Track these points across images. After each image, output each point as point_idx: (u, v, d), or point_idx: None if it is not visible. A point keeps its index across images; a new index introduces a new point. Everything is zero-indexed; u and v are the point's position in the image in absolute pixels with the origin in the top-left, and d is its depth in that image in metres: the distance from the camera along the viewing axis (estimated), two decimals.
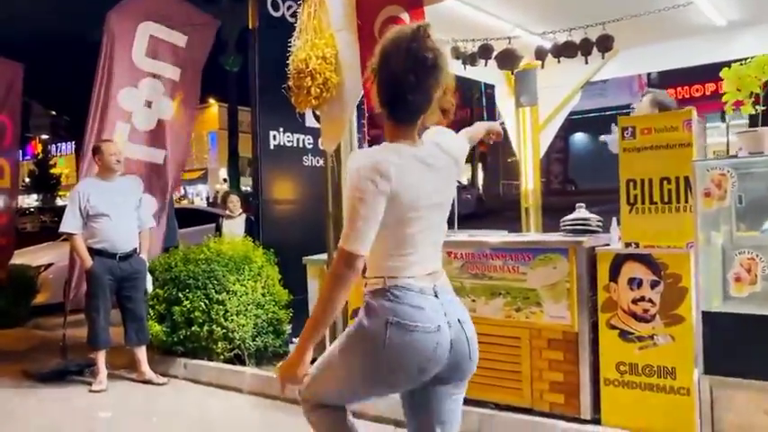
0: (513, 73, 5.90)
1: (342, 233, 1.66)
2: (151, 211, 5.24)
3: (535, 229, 5.87)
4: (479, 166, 32.04)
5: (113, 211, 4.59)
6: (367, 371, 1.74)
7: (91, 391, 4.51)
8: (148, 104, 5.57)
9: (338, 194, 4.16)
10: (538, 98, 5.78)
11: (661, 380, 2.94)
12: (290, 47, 4.13)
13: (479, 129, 2.30)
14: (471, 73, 5.91)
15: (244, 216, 6.72)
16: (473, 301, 3.44)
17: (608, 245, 3.21)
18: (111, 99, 5.41)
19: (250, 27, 5.78)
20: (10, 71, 6.83)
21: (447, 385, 1.80)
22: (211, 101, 38.36)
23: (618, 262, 3.04)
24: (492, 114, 33.50)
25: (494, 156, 30.46)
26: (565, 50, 4.12)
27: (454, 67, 4.05)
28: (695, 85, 26.28)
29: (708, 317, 2.79)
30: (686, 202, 2.88)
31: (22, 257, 7.79)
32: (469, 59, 3.99)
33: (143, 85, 5.55)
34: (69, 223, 4.57)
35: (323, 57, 3.94)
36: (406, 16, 3.74)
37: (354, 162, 1.68)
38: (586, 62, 4.02)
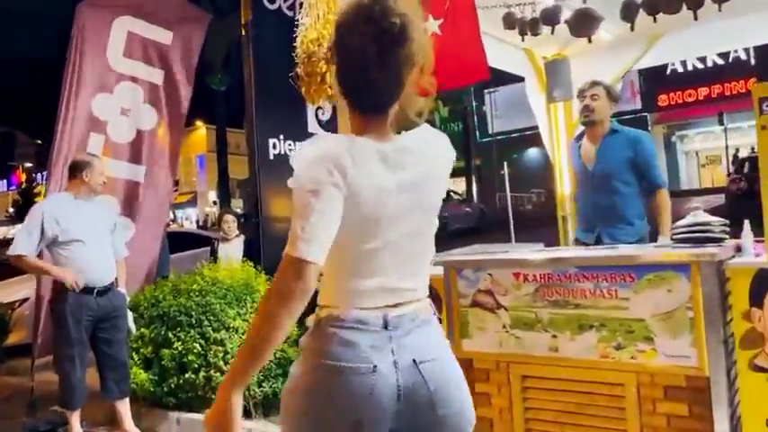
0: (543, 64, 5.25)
1: (288, 236, 1.29)
2: (126, 238, 4.39)
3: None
4: (474, 178, 31.40)
5: (89, 237, 3.74)
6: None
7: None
8: (125, 112, 4.76)
9: None
10: (573, 92, 5.06)
11: None
12: (289, 42, 3.46)
13: None
14: (496, 62, 5.18)
15: (242, 238, 5.90)
16: (554, 336, 2.64)
17: (734, 257, 2.43)
18: (83, 107, 4.60)
19: (243, 21, 5.04)
20: None
21: None
22: (198, 123, 37.63)
23: (763, 280, 2.25)
24: (485, 129, 33.16)
25: (488, 168, 29.81)
26: (665, 3, 3.16)
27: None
28: (688, 90, 25.98)
29: None
30: None
31: None
32: (529, 27, 3.22)
33: (119, 90, 4.74)
34: (22, 244, 3.69)
35: None
36: None
37: (303, 149, 1.37)
38: (695, 18, 3.17)
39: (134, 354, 4.13)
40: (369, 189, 1.33)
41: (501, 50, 4.81)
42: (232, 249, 5.69)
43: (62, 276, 3.66)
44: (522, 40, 3.32)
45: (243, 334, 4.03)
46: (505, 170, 3.31)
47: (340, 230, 1.32)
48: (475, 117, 33.59)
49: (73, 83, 4.59)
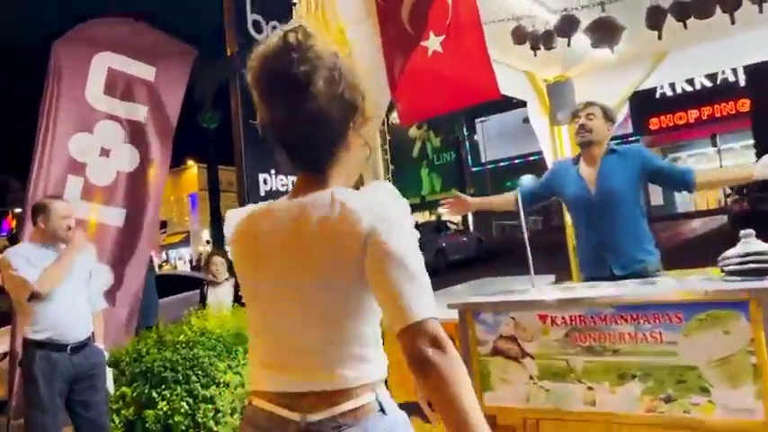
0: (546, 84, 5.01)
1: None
2: (104, 287, 4.03)
3: None
4: None
5: (58, 289, 3.39)
6: None
7: None
8: (105, 153, 4.46)
9: None
10: None
11: None
12: None
13: None
14: (504, 89, 4.95)
15: (232, 281, 5.54)
16: (589, 388, 2.29)
17: None
18: (60, 148, 4.30)
19: (229, 53, 4.80)
20: None
21: None
22: (190, 162, 37.42)
23: None
24: (477, 158, 33.07)
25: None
26: (699, 7, 2.84)
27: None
28: (678, 113, 26.02)
29: None
30: None
31: None
32: (543, 40, 2.94)
33: (99, 130, 4.45)
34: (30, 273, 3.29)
35: None
36: None
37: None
38: (732, 22, 2.86)
39: (114, 416, 3.73)
40: (248, 254, 1.29)
41: (500, 73, 4.56)
42: (222, 293, 5.33)
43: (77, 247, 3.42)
44: (535, 55, 3.04)
45: (236, 388, 3.67)
46: (519, 198, 2.99)
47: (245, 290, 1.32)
48: (467, 146, 33.58)
49: (49, 123, 4.30)
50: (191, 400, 3.57)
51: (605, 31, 2.98)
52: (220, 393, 3.62)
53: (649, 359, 2.18)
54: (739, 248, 2.20)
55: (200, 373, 3.63)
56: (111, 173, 4.47)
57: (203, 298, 5.48)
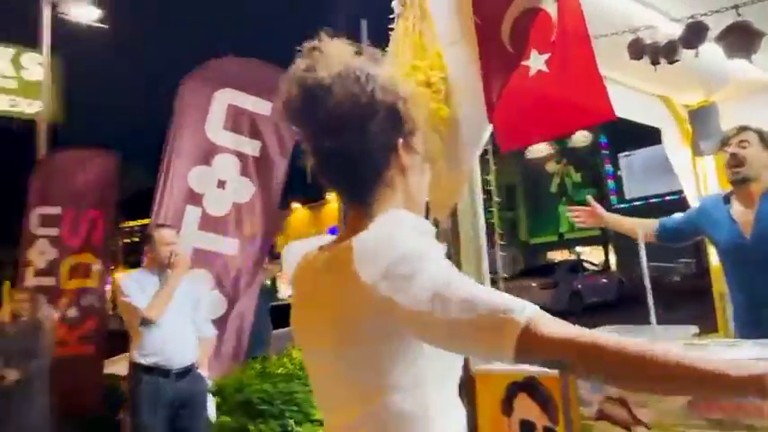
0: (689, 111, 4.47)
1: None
2: (215, 315, 4.11)
3: None
4: (611, 246, 29.29)
5: (166, 316, 3.49)
6: None
7: None
8: (222, 185, 4.62)
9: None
10: None
11: None
12: None
13: None
14: (626, 113, 4.49)
15: None
16: None
17: None
18: (181, 179, 4.53)
19: None
20: (107, 163, 6.26)
21: None
22: (329, 197, 39.04)
23: None
24: (621, 195, 31.14)
25: (627, 235, 27.66)
26: None
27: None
28: None
29: None
30: None
31: (112, 366, 7.00)
32: (664, 53, 2.56)
33: (216, 163, 4.63)
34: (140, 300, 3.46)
35: (426, 83, 2.72)
36: (552, 7, 2.46)
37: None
38: None
39: None
40: (294, 307, 1.16)
41: (629, 98, 4.14)
42: None
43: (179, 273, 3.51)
44: (655, 70, 2.65)
45: None
46: (640, 236, 2.59)
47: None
48: (610, 182, 31.82)
49: (172, 155, 4.56)
50: None
51: (741, 38, 2.51)
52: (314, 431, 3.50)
53: None
54: None
55: (294, 408, 3.54)
56: (227, 204, 4.62)
57: None
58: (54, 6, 8.77)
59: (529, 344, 0.86)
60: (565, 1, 2.41)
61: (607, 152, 31.17)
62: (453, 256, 2.81)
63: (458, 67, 2.75)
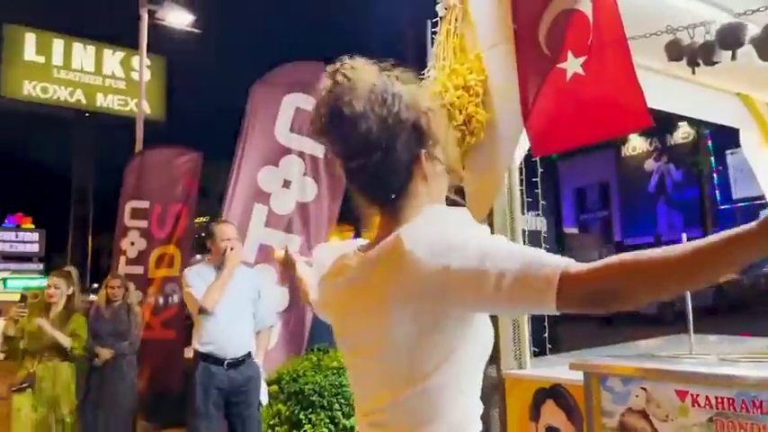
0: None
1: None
2: (277, 307, 4.30)
3: None
4: None
5: (222, 308, 3.70)
6: None
7: None
8: (287, 184, 4.83)
9: None
10: None
11: None
12: None
13: None
14: (699, 112, 4.28)
15: None
16: None
17: None
18: (250, 179, 4.78)
19: None
20: (191, 161, 6.72)
21: None
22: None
23: None
24: (727, 194, 29.11)
25: None
26: None
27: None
28: None
29: None
30: None
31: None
32: (702, 54, 2.43)
33: (283, 163, 4.85)
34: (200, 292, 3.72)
35: (464, 87, 2.74)
36: (587, 7, 2.41)
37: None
38: None
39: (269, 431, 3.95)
40: (327, 307, 1.30)
41: (706, 97, 3.94)
42: None
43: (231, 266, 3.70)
44: (693, 73, 2.51)
45: None
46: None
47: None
48: (714, 180, 29.85)
49: (243, 156, 4.81)
50: (332, 427, 3.61)
51: None
52: None
53: None
54: None
55: (343, 401, 3.66)
56: (291, 203, 4.81)
57: None
58: (151, 13, 9.39)
59: (571, 280, 0.92)
60: (600, 1, 2.36)
61: (711, 148, 29.25)
62: None
63: (498, 70, 2.76)
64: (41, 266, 28.08)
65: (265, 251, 4.62)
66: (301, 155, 4.89)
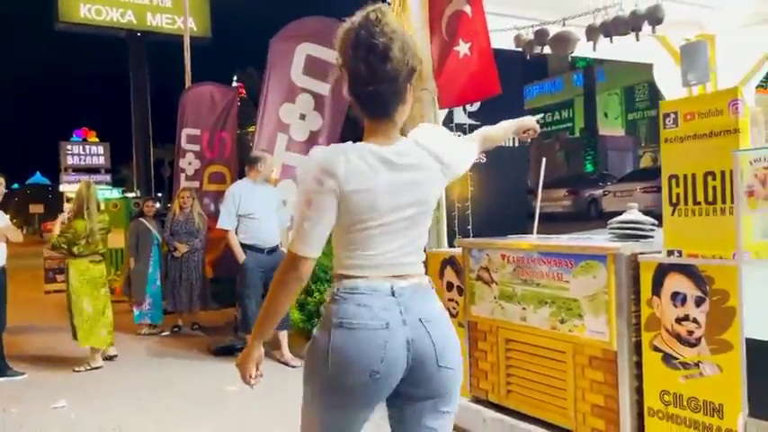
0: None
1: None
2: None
3: None
4: None
5: (261, 212, 5.29)
6: (324, 389, 1.59)
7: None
8: (302, 117, 6.21)
9: None
10: (709, 75, 5.00)
11: (707, 418, 2.42)
12: None
13: (508, 126, 2.09)
14: (627, 54, 5.31)
15: None
16: (524, 309, 3.21)
17: (659, 252, 2.72)
18: (273, 114, 6.17)
19: None
20: (229, 96, 8.19)
21: (423, 403, 1.62)
22: None
23: (660, 273, 2.57)
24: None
25: None
26: (614, 28, 3.56)
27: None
28: None
29: (754, 346, 2.22)
30: (732, 202, 2.32)
31: None
32: (527, 47, 3.62)
33: (299, 100, 6.20)
34: (225, 221, 5.36)
35: None
36: (468, 9, 3.62)
37: (306, 159, 1.64)
38: (637, 39, 3.43)
39: None
40: (365, 190, 1.54)
41: (625, 43, 5.01)
42: None
43: (237, 257, 5.29)
44: (528, 57, 3.67)
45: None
46: (543, 165, 3.76)
47: (343, 219, 1.58)
48: None
49: (267, 96, 6.19)
50: None
51: (561, 44, 3.53)
52: None
53: (555, 292, 3.03)
54: (622, 216, 2.86)
55: None
56: (306, 132, 6.22)
57: None
58: None
59: None
60: (475, 3, 3.56)
61: None
62: None
63: (422, 48, 4.01)
64: (109, 177, 30.39)
65: (287, 169, 6.09)
66: (311, 93, 6.22)
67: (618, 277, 2.70)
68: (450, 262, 3.81)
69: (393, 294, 1.57)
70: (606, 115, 32.30)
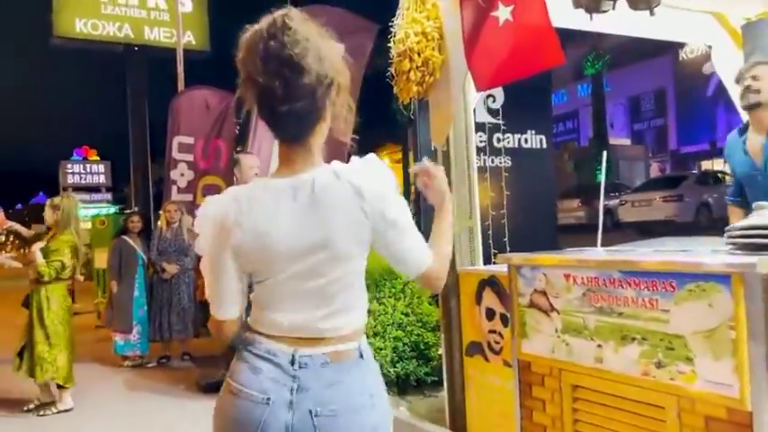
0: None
1: None
2: None
3: None
4: None
5: None
6: None
7: None
8: None
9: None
10: None
11: None
12: None
13: (436, 205, 1.65)
14: (673, 34, 4.59)
15: None
16: (599, 346, 2.39)
17: None
18: None
19: None
20: (225, 101, 7.44)
21: None
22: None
23: None
24: None
25: None
26: None
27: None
28: None
29: None
30: None
31: None
32: (593, 4, 2.84)
33: None
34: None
35: (422, 33, 3.25)
36: None
37: (198, 214, 1.44)
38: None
39: None
40: (262, 230, 1.34)
41: (678, 18, 4.24)
42: None
43: None
44: (591, 19, 2.90)
45: (378, 316, 4.38)
46: (603, 163, 2.99)
47: (246, 267, 1.40)
48: None
49: None
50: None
51: None
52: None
53: (646, 324, 2.21)
54: (747, 220, 2.04)
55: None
56: None
57: None
58: None
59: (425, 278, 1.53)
60: None
61: None
62: (448, 175, 3.41)
63: (450, 18, 3.24)
64: (110, 196, 29.88)
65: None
66: None
67: (751, 305, 1.89)
68: (489, 283, 3.01)
69: (292, 364, 1.35)
70: (612, 126, 31.85)
